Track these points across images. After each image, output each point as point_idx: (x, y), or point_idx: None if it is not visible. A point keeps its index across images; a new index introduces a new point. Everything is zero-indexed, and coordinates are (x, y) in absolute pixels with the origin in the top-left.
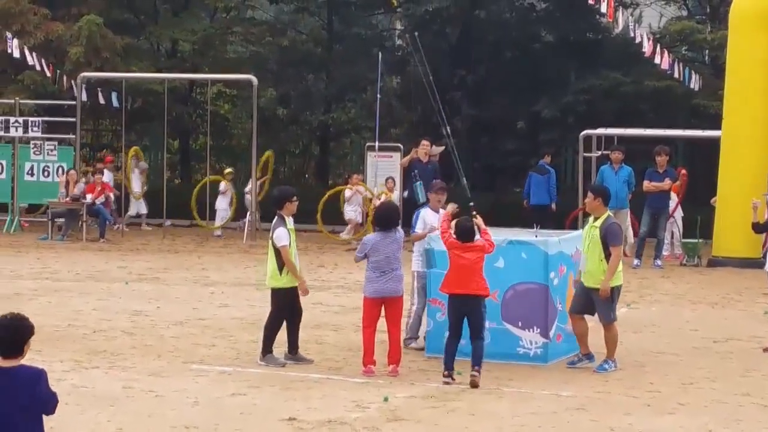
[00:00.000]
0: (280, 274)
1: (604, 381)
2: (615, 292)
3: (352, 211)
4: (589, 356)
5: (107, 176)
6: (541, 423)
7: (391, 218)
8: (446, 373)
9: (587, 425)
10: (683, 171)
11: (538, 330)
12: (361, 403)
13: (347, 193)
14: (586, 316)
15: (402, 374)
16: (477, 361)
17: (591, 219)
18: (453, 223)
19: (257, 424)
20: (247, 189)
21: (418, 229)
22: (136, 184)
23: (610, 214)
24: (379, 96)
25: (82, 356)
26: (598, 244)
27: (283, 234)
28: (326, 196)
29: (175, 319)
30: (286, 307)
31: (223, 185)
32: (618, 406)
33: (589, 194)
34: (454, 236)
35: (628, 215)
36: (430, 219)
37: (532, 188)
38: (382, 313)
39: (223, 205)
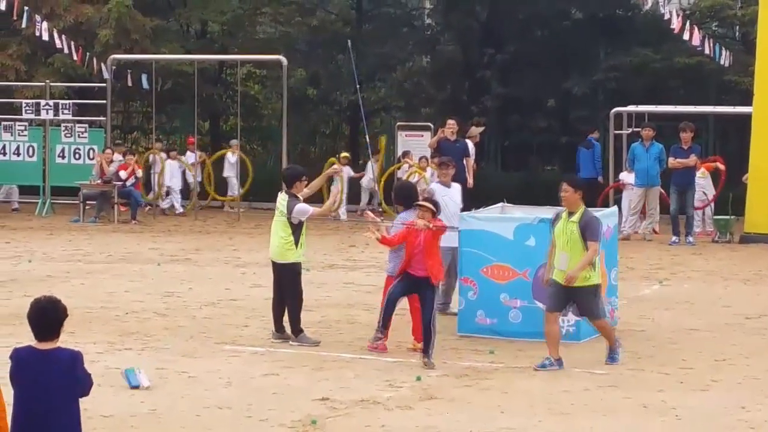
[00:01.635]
0: (296, 247)
1: (636, 358)
2: (598, 288)
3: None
4: (559, 362)
5: (191, 158)
6: (574, 401)
7: (411, 196)
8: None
9: (620, 402)
10: (720, 163)
11: (571, 308)
12: (393, 383)
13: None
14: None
15: (434, 353)
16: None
17: (565, 214)
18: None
19: (290, 404)
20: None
21: None
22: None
23: (586, 207)
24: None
25: (114, 338)
26: (578, 240)
27: (303, 207)
28: (385, 175)
29: (207, 299)
30: (300, 281)
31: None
32: (651, 383)
33: (567, 186)
34: None
35: (659, 193)
36: (439, 194)
37: (580, 162)
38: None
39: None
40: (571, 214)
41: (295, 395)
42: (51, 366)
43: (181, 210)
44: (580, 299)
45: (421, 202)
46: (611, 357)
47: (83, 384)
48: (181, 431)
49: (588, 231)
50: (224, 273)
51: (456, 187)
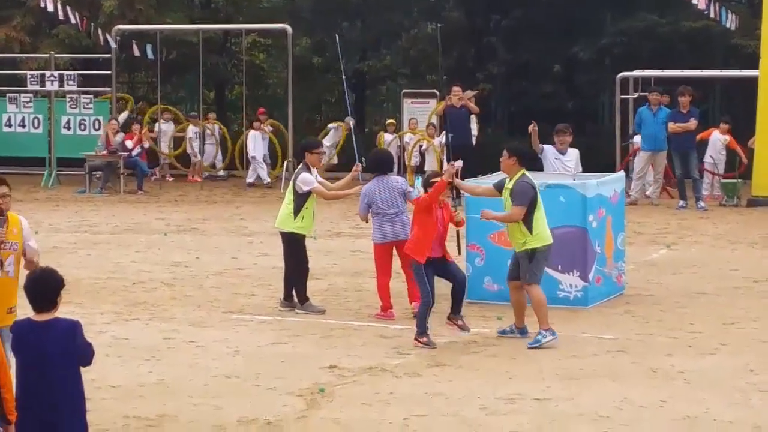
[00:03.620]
0: (294, 218)
1: (644, 323)
2: (537, 254)
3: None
4: (522, 330)
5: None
6: (582, 366)
7: (383, 163)
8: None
9: (628, 367)
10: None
11: (578, 273)
12: (401, 350)
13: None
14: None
15: (442, 320)
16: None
17: (508, 180)
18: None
19: (298, 372)
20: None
21: None
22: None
23: (524, 173)
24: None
25: (122, 308)
26: (511, 206)
27: (308, 178)
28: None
29: (215, 269)
30: (300, 251)
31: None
32: (659, 347)
33: (504, 153)
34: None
35: (665, 157)
36: (551, 157)
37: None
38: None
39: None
40: (510, 179)
41: (303, 363)
42: (50, 336)
43: (268, 180)
44: (520, 258)
45: (436, 179)
46: (536, 339)
47: (84, 353)
48: (189, 401)
49: (515, 196)
50: (231, 242)
51: (571, 153)
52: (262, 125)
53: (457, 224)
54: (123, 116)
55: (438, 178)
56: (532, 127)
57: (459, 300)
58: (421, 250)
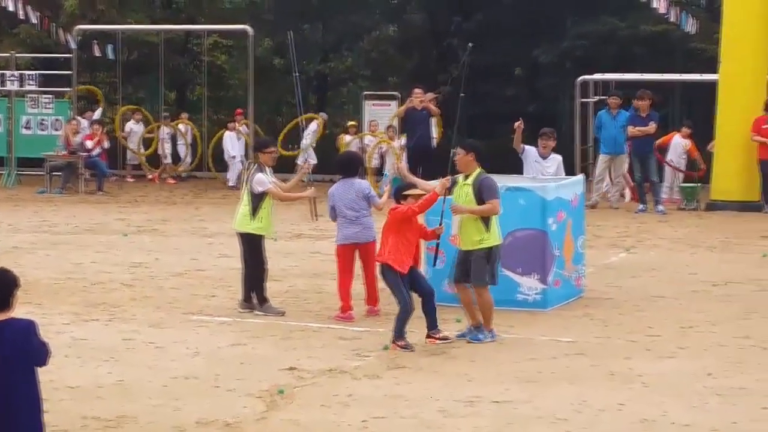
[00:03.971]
0: (253, 218)
1: (603, 326)
2: (494, 252)
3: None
4: (478, 328)
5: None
6: (541, 368)
7: (349, 165)
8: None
9: (587, 370)
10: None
11: (537, 276)
12: (361, 352)
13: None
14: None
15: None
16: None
17: (461, 178)
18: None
19: (258, 374)
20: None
21: None
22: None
23: (482, 170)
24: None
25: (81, 309)
26: (472, 202)
27: (262, 179)
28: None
29: (174, 270)
30: (257, 252)
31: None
32: (617, 350)
33: (459, 149)
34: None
35: (627, 160)
36: (532, 160)
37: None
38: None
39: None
40: (467, 176)
41: (263, 365)
42: (4, 337)
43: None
44: (472, 261)
45: (409, 192)
46: (475, 336)
47: (39, 353)
48: (148, 402)
49: (484, 191)
50: (191, 243)
51: (553, 159)
52: (237, 126)
53: (437, 235)
54: (98, 112)
55: (412, 191)
56: (519, 124)
57: (432, 313)
58: (401, 261)
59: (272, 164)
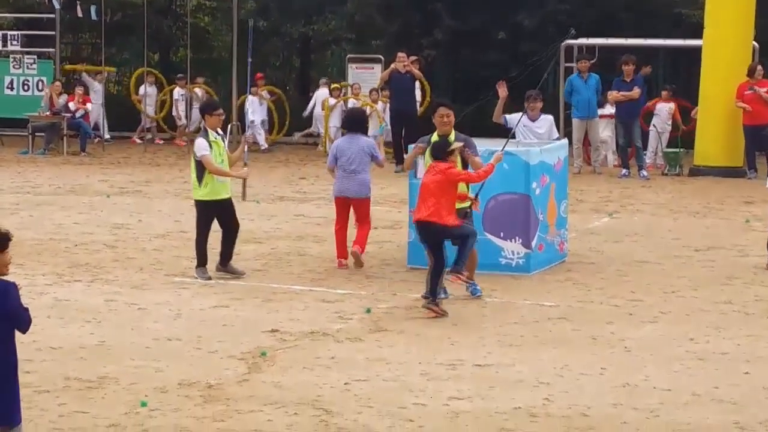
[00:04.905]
0: (200, 185)
1: (586, 290)
2: (468, 210)
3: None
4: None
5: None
6: (524, 332)
7: (357, 121)
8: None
9: (569, 334)
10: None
11: (520, 240)
12: (343, 315)
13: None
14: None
15: (384, 285)
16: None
17: (435, 138)
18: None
19: (240, 336)
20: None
21: None
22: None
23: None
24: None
25: (64, 270)
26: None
27: (202, 144)
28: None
29: (157, 232)
30: (207, 220)
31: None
32: (600, 315)
33: (449, 110)
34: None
35: (599, 123)
36: (521, 123)
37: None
38: None
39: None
40: (444, 138)
41: (245, 327)
42: None
43: (266, 146)
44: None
45: (454, 147)
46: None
47: (17, 316)
48: (130, 363)
49: (472, 148)
50: (174, 205)
51: (544, 120)
52: (258, 90)
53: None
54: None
55: (455, 145)
56: (503, 91)
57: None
58: (446, 219)
59: (220, 126)
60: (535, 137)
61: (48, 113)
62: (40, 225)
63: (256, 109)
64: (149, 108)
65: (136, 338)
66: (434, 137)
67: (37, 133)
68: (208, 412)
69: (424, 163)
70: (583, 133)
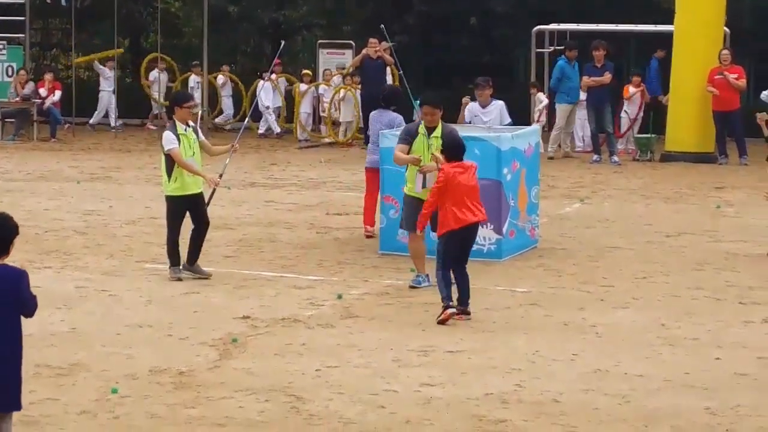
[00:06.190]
0: (169, 180)
1: (557, 276)
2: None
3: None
4: (428, 277)
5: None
6: (496, 318)
7: (389, 97)
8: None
9: (541, 320)
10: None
11: (492, 226)
12: (315, 301)
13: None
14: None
15: (355, 272)
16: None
17: (423, 130)
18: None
19: (211, 323)
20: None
21: None
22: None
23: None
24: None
25: (34, 256)
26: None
27: (169, 137)
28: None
29: (128, 218)
30: (178, 215)
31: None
32: (571, 300)
33: (434, 110)
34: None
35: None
36: (472, 112)
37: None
38: None
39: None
40: (431, 129)
41: (216, 314)
42: None
43: (279, 131)
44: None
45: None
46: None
47: (27, 302)
48: (101, 350)
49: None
50: (145, 191)
51: (494, 105)
52: (275, 78)
53: None
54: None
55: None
56: (466, 100)
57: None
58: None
59: (190, 119)
60: (483, 123)
61: (18, 99)
62: (10, 211)
63: (269, 94)
64: (156, 94)
65: (107, 325)
66: (421, 128)
67: (6, 119)
68: (179, 398)
69: (416, 150)
70: (567, 118)
